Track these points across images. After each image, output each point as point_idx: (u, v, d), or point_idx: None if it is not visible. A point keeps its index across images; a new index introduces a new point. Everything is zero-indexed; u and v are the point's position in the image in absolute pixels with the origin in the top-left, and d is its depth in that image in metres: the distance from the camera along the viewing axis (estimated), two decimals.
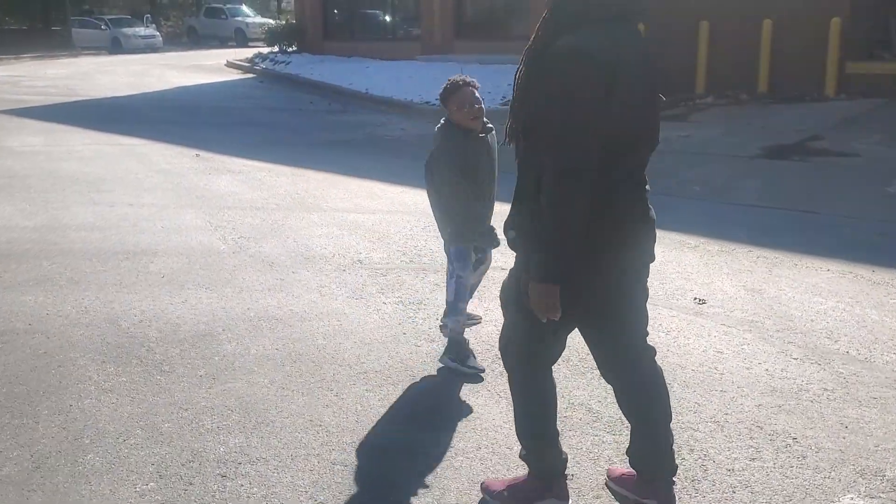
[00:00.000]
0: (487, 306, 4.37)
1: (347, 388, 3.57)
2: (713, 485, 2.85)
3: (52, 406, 3.37)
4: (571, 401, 3.42)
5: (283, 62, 21.57)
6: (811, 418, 3.29)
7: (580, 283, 2.33)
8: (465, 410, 3.40)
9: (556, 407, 2.71)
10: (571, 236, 2.22)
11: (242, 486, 2.83)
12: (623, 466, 2.86)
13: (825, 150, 9.31)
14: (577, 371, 3.70)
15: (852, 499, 2.75)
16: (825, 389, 3.54)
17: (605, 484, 2.87)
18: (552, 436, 2.70)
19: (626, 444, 2.80)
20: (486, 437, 3.16)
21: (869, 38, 13.06)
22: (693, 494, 2.80)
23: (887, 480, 2.85)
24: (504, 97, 11.99)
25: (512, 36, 15.94)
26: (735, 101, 13.07)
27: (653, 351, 2.66)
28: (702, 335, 4.15)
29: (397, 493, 2.82)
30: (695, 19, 13.36)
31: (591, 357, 3.78)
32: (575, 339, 3.99)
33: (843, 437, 3.13)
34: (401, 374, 3.73)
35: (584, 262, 2.30)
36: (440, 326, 3.92)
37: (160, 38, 37.11)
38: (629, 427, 3.19)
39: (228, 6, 40.33)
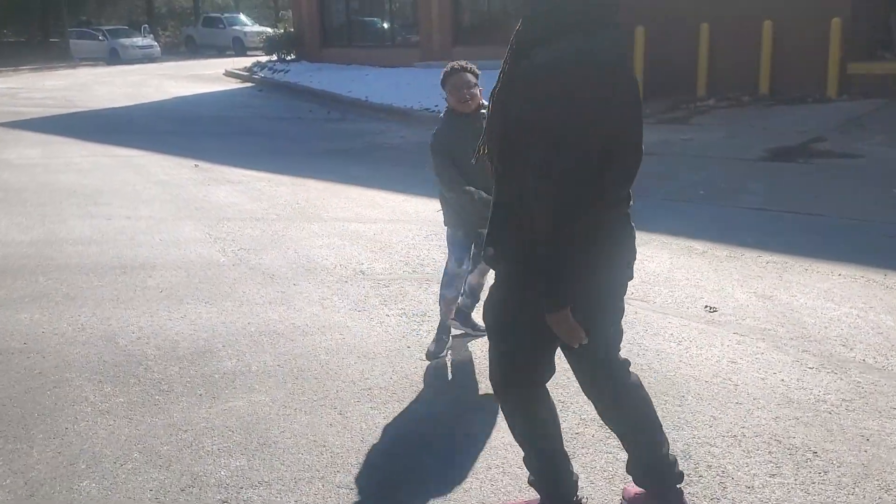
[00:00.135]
0: None
1: (352, 405, 3.46)
2: (733, 503, 2.74)
3: (47, 429, 3.27)
4: (583, 417, 3.32)
5: (281, 71, 21.52)
6: (831, 431, 3.18)
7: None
8: (474, 429, 3.29)
9: (558, 427, 2.61)
10: (573, 253, 2.14)
11: None
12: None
13: (829, 152, 9.23)
14: None
15: None
16: (843, 400, 3.44)
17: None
18: (560, 457, 2.59)
19: None
20: (496, 457, 3.06)
21: (870, 38, 12.98)
22: None
23: None
24: None
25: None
26: (737, 103, 12.99)
27: (627, 363, 2.60)
28: (714, 344, 4.05)
29: None
30: (695, 21, 13.29)
31: None
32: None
33: (865, 451, 3.03)
34: (406, 390, 3.62)
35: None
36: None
37: (158, 49, 37.07)
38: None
39: (226, 15, 40.36)
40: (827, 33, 12.25)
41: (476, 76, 3.68)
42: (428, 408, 3.51)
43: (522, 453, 2.65)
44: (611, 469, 2.97)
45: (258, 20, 42.54)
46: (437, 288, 4.88)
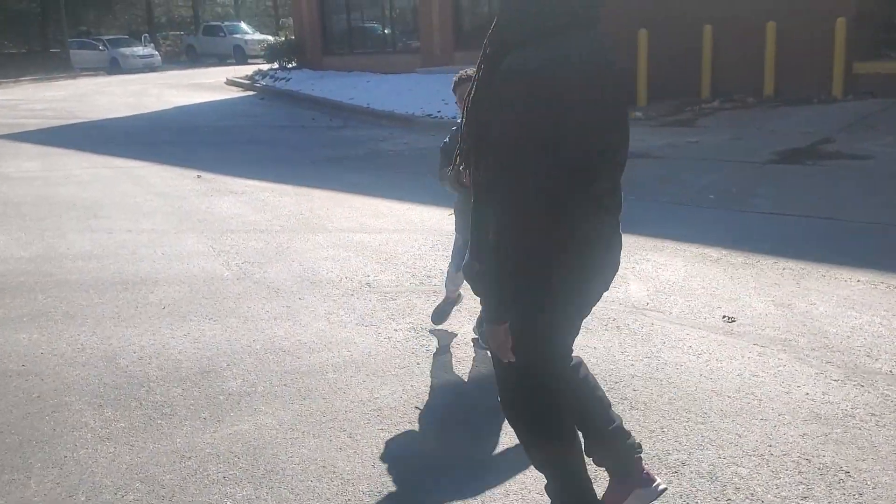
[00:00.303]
0: None
1: (361, 427, 3.33)
2: None
3: (46, 458, 3.14)
4: None
5: (283, 79, 21.43)
6: (862, 448, 3.05)
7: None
8: (489, 450, 3.16)
9: (581, 450, 2.48)
10: (531, 271, 2.09)
11: None
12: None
13: (837, 154, 9.10)
14: None
15: None
16: (872, 415, 3.31)
17: None
18: (586, 482, 2.46)
19: (666, 482, 2.58)
20: (515, 483, 2.92)
21: (876, 37, 12.86)
22: None
23: None
24: None
25: None
26: (741, 105, 12.88)
27: (577, 364, 2.59)
28: (734, 357, 3.91)
29: None
30: (698, 23, 13.18)
31: (621, 387, 3.58)
32: (602, 366, 3.79)
33: None
34: (418, 411, 3.48)
35: (541, 288, 2.16)
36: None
37: (159, 58, 37.08)
38: (665, 463, 2.98)
39: (227, 24, 40.30)
40: (831, 33, 12.14)
41: None
42: (440, 429, 3.37)
43: (543, 479, 2.52)
44: None
45: (259, 28, 42.50)
46: None
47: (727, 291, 4.82)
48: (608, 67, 2.12)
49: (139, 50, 36.84)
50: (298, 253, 5.98)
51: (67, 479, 2.99)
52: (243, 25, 40.71)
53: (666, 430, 3.23)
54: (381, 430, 3.31)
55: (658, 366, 3.82)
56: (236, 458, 3.10)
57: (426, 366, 3.94)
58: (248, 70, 25.65)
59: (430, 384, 3.74)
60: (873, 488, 2.79)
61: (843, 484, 2.82)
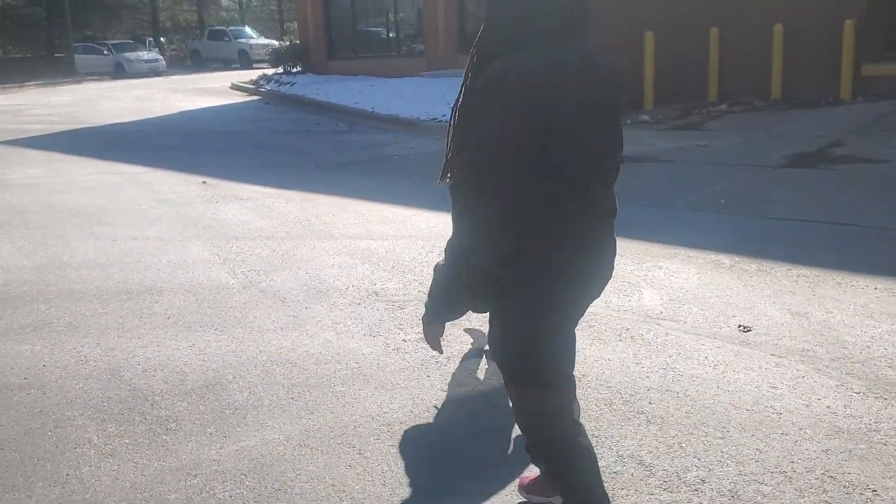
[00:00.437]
0: None
1: (371, 443, 3.25)
2: None
3: (48, 476, 3.06)
4: (620, 453, 3.09)
5: (287, 83, 21.39)
6: (888, 465, 2.95)
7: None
8: (505, 468, 3.07)
9: (596, 462, 2.46)
10: (482, 283, 2.09)
11: None
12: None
13: (850, 157, 9.00)
14: (622, 416, 3.38)
15: None
16: None
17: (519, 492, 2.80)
18: (603, 498, 2.42)
19: (685, 501, 2.50)
20: None
21: (884, 38, 12.76)
22: None
23: None
24: None
25: None
26: (749, 108, 12.79)
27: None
28: (752, 368, 3.82)
29: None
30: (705, 26, 13.09)
31: (636, 400, 3.49)
32: (616, 378, 3.70)
33: None
34: (429, 426, 3.40)
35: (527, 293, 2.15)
36: None
37: (164, 62, 37.13)
38: (684, 481, 2.89)
39: (231, 28, 40.36)
40: (839, 35, 12.04)
41: None
42: (452, 446, 3.28)
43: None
44: None
45: (263, 33, 42.57)
46: None
47: (742, 300, 4.73)
48: (596, 73, 2.08)
49: (144, 54, 36.90)
50: (304, 260, 5.90)
51: (70, 499, 2.90)
52: (248, 30, 40.77)
53: (684, 445, 3.14)
54: (391, 446, 3.23)
55: (674, 378, 3.73)
56: (243, 477, 3.02)
57: (436, 378, 3.85)
58: (252, 74, 25.61)
59: (440, 398, 3.66)
60: None
61: (870, 503, 2.73)
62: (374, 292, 5.12)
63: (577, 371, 3.78)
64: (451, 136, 2.21)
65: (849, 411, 3.37)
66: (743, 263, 5.38)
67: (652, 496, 2.82)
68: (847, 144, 9.68)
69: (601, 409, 3.44)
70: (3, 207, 8.11)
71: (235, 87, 23.43)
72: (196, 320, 4.72)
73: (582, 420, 3.30)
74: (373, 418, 3.46)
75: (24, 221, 7.42)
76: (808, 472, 2.93)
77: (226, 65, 37.18)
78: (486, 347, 4.11)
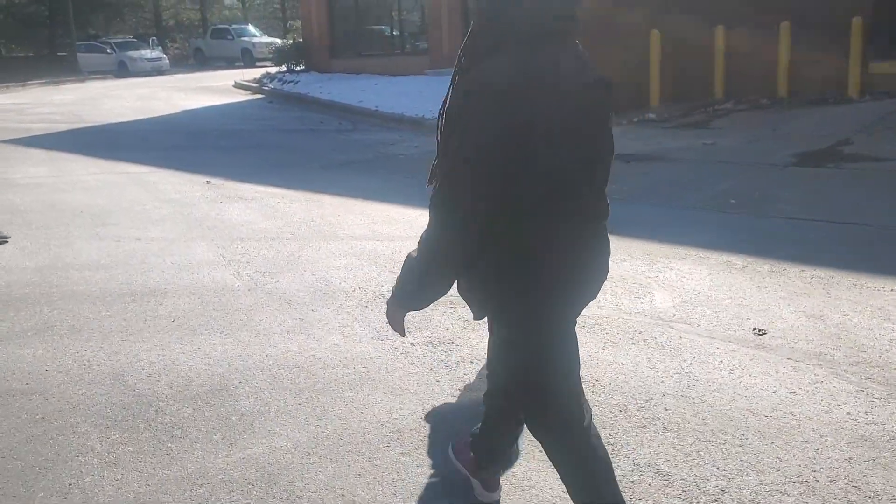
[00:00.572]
0: None
1: (381, 451, 3.17)
2: None
3: (49, 486, 2.98)
4: (636, 461, 3.01)
5: (291, 81, 21.31)
6: None
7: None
8: (518, 477, 2.99)
9: (611, 465, 2.41)
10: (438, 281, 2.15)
11: None
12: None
13: (859, 156, 8.91)
14: (637, 423, 3.29)
15: None
16: None
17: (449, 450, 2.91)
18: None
19: None
20: None
21: (892, 36, 12.64)
22: None
23: None
24: None
25: None
26: (756, 106, 12.69)
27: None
28: (768, 372, 3.74)
29: None
30: (710, 24, 12.99)
31: (651, 406, 3.41)
32: (630, 383, 3.62)
33: None
34: (440, 433, 3.32)
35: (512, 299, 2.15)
36: None
37: (167, 61, 37.09)
38: (704, 491, 2.81)
39: (234, 27, 40.29)
40: (846, 33, 11.93)
41: None
42: None
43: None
44: None
45: (267, 31, 42.52)
46: (461, 312, 4.61)
47: (755, 302, 4.65)
48: (582, 77, 2.06)
49: (147, 53, 36.83)
50: (310, 262, 5.82)
51: None
52: (251, 28, 40.69)
53: (702, 453, 3.06)
54: (402, 454, 3.15)
55: (689, 382, 3.65)
56: (250, 486, 2.94)
57: (446, 383, 3.77)
58: (256, 73, 25.54)
59: (451, 403, 3.58)
60: None
61: None
62: (381, 294, 5.04)
63: (591, 375, 3.72)
64: (438, 138, 2.16)
65: (870, 418, 3.29)
66: (755, 264, 5.30)
67: None
68: (855, 143, 9.58)
69: (616, 416, 3.36)
70: (6, 207, 8.04)
71: (239, 86, 23.36)
72: (201, 323, 4.65)
73: (596, 425, 3.23)
74: (382, 425, 3.38)
75: (26, 221, 7.35)
76: (831, 481, 2.85)
77: (229, 63, 37.11)
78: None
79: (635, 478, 2.91)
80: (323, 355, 4.14)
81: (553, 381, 2.25)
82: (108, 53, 36.71)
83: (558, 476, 2.40)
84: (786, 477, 2.89)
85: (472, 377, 3.83)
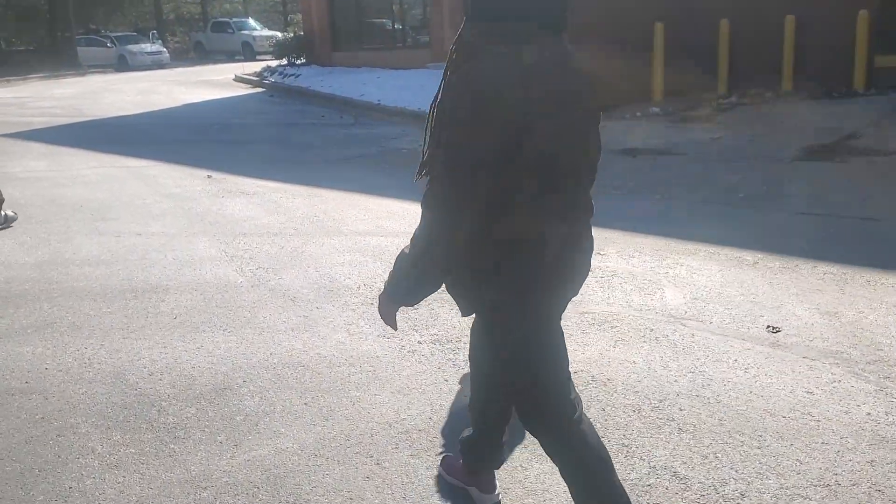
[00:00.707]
0: None
1: (389, 453, 3.09)
2: None
3: (49, 489, 2.90)
4: (652, 464, 2.93)
5: (292, 75, 21.19)
6: None
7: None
8: (527, 479, 2.91)
9: (610, 461, 2.33)
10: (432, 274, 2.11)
11: None
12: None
13: (868, 149, 8.81)
14: (652, 424, 3.21)
15: None
16: None
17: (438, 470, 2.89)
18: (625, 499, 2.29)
19: None
20: None
21: None
22: None
23: None
24: None
25: None
26: (761, 100, 12.58)
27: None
28: (784, 371, 3.66)
29: None
30: (715, 17, 12.88)
31: (666, 406, 3.33)
32: (643, 382, 3.54)
33: None
34: (449, 435, 3.22)
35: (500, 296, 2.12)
36: None
37: (167, 54, 36.92)
38: (723, 495, 2.74)
39: (235, 20, 40.09)
40: (852, 26, 11.82)
41: None
42: None
43: None
44: None
45: (267, 24, 42.29)
46: None
47: (768, 298, 4.56)
48: (569, 74, 2.05)
49: (147, 47, 36.66)
50: (314, 258, 5.73)
51: None
52: (251, 22, 40.50)
53: (720, 455, 2.98)
54: (411, 455, 3.07)
55: (703, 382, 3.57)
56: (256, 489, 2.86)
57: (454, 382, 3.69)
58: (256, 66, 25.42)
59: (459, 403, 3.50)
60: None
61: None
62: None
63: (602, 374, 3.64)
64: (427, 133, 2.14)
65: (891, 419, 3.21)
66: (766, 260, 5.21)
67: None
68: (862, 137, 9.48)
69: (629, 416, 3.28)
70: (6, 201, 7.94)
71: (239, 80, 23.24)
72: (204, 320, 4.56)
73: (609, 427, 3.16)
74: (390, 425, 3.30)
75: (26, 216, 7.27)
76: (853, 485, 2.77)
77: (229, 57, 36.92)
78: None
79: (652, 481, 2.83)
80: (328, 354, 4.06)
81: (546, 377, 2.24)
82: (109, 47, 36.55)
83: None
84: (807, 480, 2.81)
85: None
